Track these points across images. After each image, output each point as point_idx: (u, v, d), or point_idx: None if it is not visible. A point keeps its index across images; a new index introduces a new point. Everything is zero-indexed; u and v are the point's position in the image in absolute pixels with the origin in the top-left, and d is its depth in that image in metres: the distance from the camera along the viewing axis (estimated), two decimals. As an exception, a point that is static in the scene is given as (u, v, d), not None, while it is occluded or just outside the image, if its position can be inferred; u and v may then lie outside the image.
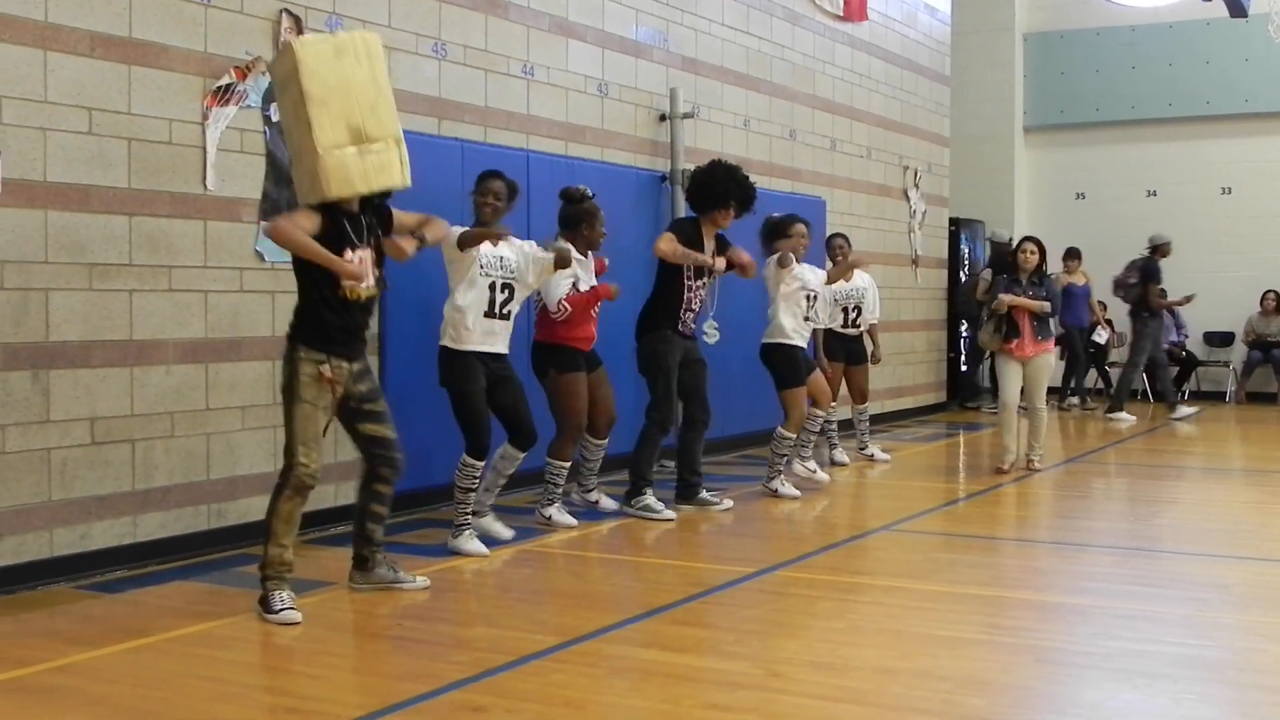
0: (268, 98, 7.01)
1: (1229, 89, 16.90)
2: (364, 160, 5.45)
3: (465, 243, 6.60)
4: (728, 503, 8.30)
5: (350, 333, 5.63)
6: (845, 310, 10.30)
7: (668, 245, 7.82)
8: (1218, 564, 6.86)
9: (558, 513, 7.58)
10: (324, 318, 5.54)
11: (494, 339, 6.81)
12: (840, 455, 10.52)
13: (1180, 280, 16.60)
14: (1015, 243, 10.39)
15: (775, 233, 9.00)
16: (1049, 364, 10.02)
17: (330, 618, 5.56)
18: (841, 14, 13.08)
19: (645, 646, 5.10)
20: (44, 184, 5.99)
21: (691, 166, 10.19)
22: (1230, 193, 17.13)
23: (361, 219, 5.64)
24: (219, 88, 6.77)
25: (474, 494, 6.83)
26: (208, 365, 6.76)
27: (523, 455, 7.07)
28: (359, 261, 5.56)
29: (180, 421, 6.63)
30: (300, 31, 7.16)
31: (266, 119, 7.02)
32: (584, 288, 7.48)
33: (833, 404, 9.95)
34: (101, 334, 6.25)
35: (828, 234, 11.27)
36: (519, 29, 8.85)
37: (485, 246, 6.73)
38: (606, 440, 8.00)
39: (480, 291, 6.73)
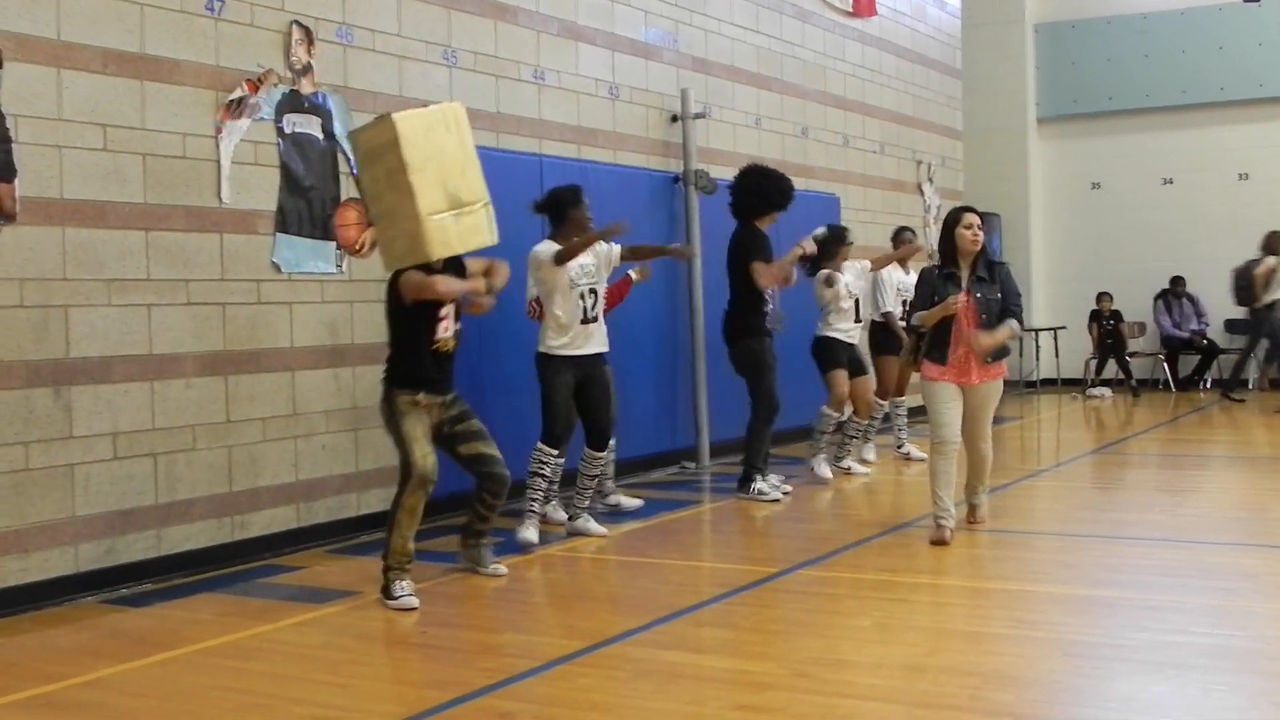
0: (281, 110, 7.03)
1: (1243, 74, 16.81)
2: (459, 223, 5.92)
3: (562, 258, 6.97)
4: (787, 488, 8.75)
5: (439, 379, 6.10)
6: (905, 303, 10.08)
7: (768, 277, 8.46)
8: (1245, 553, 6.82)
9: (553, 510, 7.79)
10: (415, 368, 6.02)
11: (591, 341, 7.21)
12: (869, 453, 10.35)
13: (1200, 268, 16.58)
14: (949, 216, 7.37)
15: (831, 244, 9.24)
16: (998, 392, 7.19)
17: (357, 627, 5.57)
18: (851, 10, 13.06)
19: (671, 649, 5.09)
20: (60, 201, 6.01)
21: (704, 167, 10.24)
22: (1247, 178, 17.04)
23: (445, 273, 6.06)
24: (231, 101, 6.79)
25: (541, 480, 7.13)
26: (227, 377, 6.78)
27: (601, 455, 7.35)
28: (448, 318, 6.06)
29: (201, 434, 6.65)
30: (311, 43, 7.19)
31: (279, 131, 7.04)
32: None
33: (882, 403, 10.29)
34: (121, 349, 6.27)
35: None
36: (528, 34, 8.86)
37: (581, 258, 7.11)
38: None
39: (574, 302, 7.10)
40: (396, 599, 5.81)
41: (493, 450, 6.23)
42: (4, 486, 5.78)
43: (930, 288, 7.03)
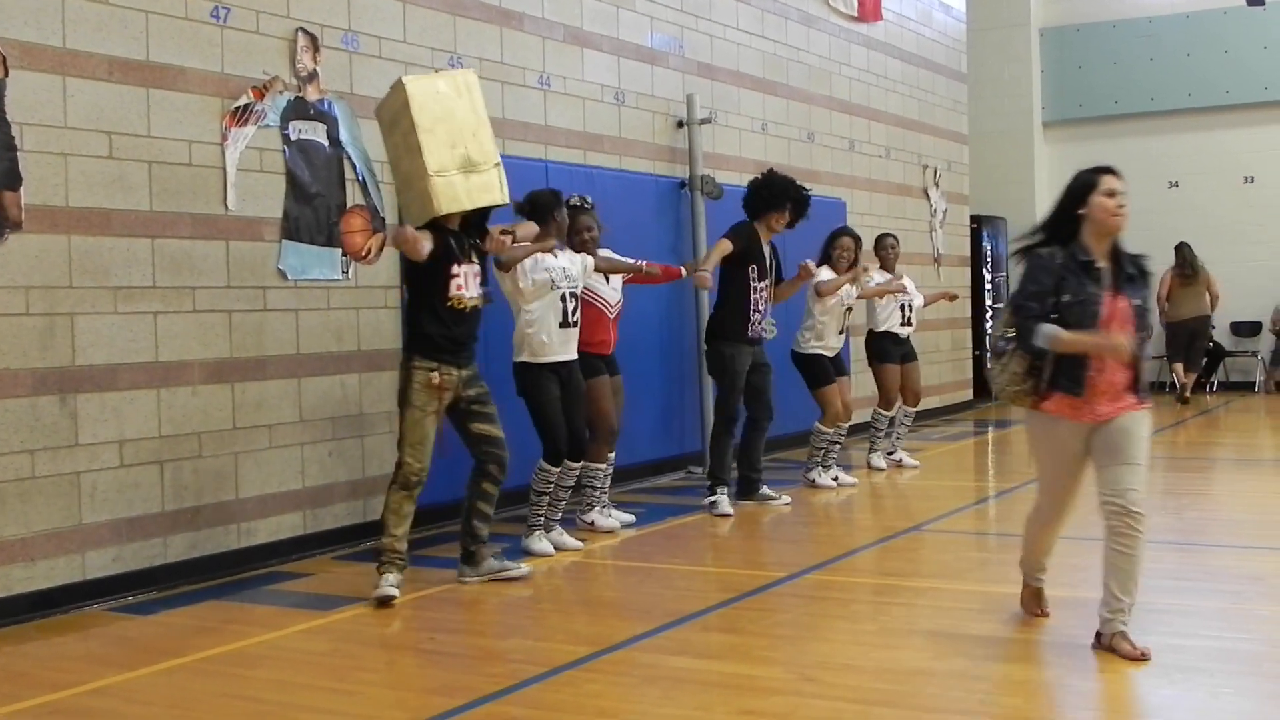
0: (286, 117, 7.04)
1: (1248, 78, 16.80)
2: (469, 180, 6.11)
3: (500, 265, 6.79)
4: (786, 499, 8.55)
5: (458, 342, 6.18)
6: (902, 309, 10.10)
7: (716, 253, 8.22)
8: (1252, 556, 6.81)
9: (600, 516, 7.71)
10: (432, 329, 6.11)
11: (568, 347, 7.08)
12: (878, 460, 10.19)
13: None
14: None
15: (825, 247, 9.28)
16: (1144, 429, 4.89)
17: (364, 633, 5.57)
18: (856, 15, 13.06)
19: (677, 654, 5.09)
20: (66, 209, 6.02)
21: (710, 172, 10.24)
22: (1252, 181, 17.03)
23: (464, 239, 6.23)
24: (237, 108, 6.80)
25: (547, 497, 7.03)
26: (234, 385, 6.78)
27: (576, 466, 7.19)
28: (464, 278, 6.15)
29: (208, 442, 6.65)
30: (317, 50, 7.20)
31: (285, 138, 7.05)
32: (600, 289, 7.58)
33: (887, 413, 10.20)
34: (127, 356, 6.27)
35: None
36: (534, 40, 8.86)
37: (550, 259, 6.96)
38: (612, 452, 7.84)
39: (555, 304, 6.94)
40: (376, 589, 5.96)
41: (501, 434, 6.34)
42: (10, 495, 5.79)
43: (1052, 279, 4.75)
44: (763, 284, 8.33)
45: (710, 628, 5.54)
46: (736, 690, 4.59)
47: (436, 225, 6.11)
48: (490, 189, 6.19)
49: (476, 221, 6.33)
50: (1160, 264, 16.56)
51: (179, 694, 4.75)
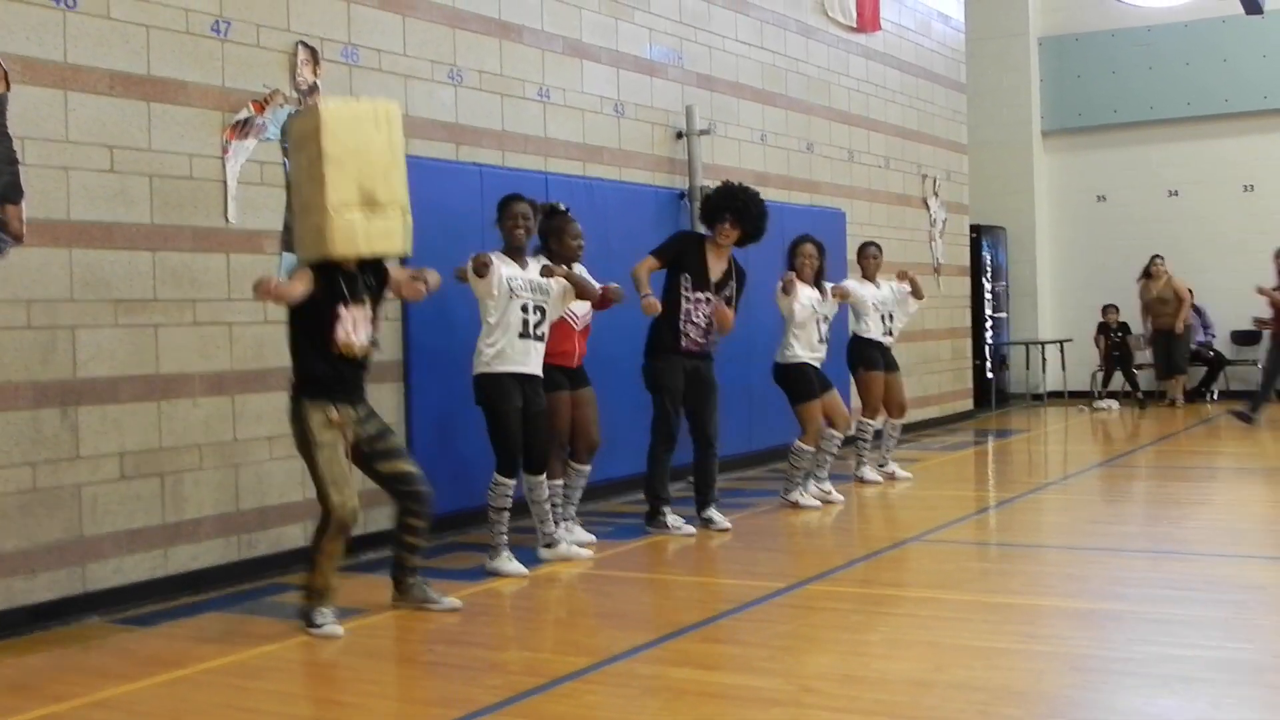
0: (287, 130, 7.06)
1: (1247, 86, 16.84)
2: (370, 224, 5.61)
3: (479, 272, 6.59)
4: (690, 529, 7.99)
5: (348, 381, 5.76)
6: (883, 318, 9.94)
7: (639, 265, 7.84)
8: (1253, 565, 6.81)
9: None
10: (318, 370, 5.69)
11: (530, 360, 6.82)
12: (869, 473, 10.06)
13: (1206, 280, 16.58)
14: None
15: (788, 255, 9.01)
16: None
17: (364, 644, 5.57)
18: (855, 25, 13.08)
19: (677, 665, 5.10)
20: (67, 223, 6.03)
21: (710, 183, 10.24)
22: (1252, 190, 17.05)
23: (359, 278, 5.75)
24: (238, 121, 6.82)
25: (507, 513, 6.83)
26: (234, 396, 6.79)
27: (539, 478, 6.97)
28: (353, 321, 5.67)
29: (208, 453, 6.66)
30: (317, 63, 7.22)
31: (285, 151, 7.06)
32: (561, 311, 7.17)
33: (871, 422, 9.98)
34: (128, 369, 6.28)
35: (849, 245, 11.25)
36: (534, 52, 8.89)
37: (515, 269, 6.76)
38: (588, 467, 7.69)
39: (514, 314, 6.73)
40: (319, 626, 5.64)
41: (414, 468, 5.95)
42: (11, 507, 5.80)
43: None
44: (699, 295, 7.94)
45: (710, 639, 5.54)
46: (737, 701, 4.59)
47: (327, 263, 5.64)
48: (391, 236, 5.69)
49: (375, 260, 5.83)
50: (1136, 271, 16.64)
51: (180, 705, 4.75)
